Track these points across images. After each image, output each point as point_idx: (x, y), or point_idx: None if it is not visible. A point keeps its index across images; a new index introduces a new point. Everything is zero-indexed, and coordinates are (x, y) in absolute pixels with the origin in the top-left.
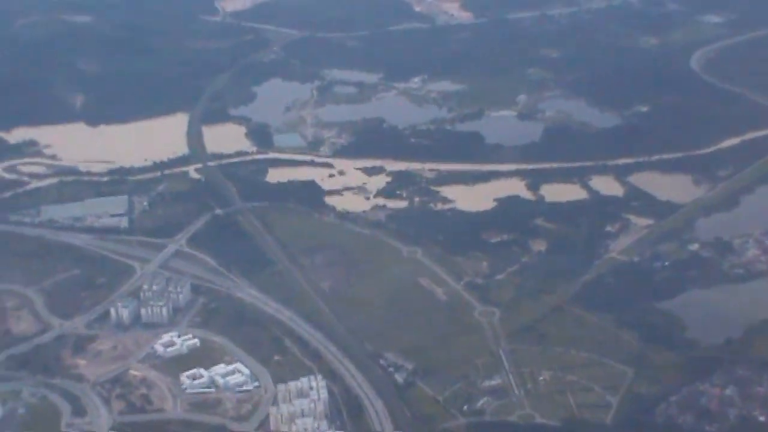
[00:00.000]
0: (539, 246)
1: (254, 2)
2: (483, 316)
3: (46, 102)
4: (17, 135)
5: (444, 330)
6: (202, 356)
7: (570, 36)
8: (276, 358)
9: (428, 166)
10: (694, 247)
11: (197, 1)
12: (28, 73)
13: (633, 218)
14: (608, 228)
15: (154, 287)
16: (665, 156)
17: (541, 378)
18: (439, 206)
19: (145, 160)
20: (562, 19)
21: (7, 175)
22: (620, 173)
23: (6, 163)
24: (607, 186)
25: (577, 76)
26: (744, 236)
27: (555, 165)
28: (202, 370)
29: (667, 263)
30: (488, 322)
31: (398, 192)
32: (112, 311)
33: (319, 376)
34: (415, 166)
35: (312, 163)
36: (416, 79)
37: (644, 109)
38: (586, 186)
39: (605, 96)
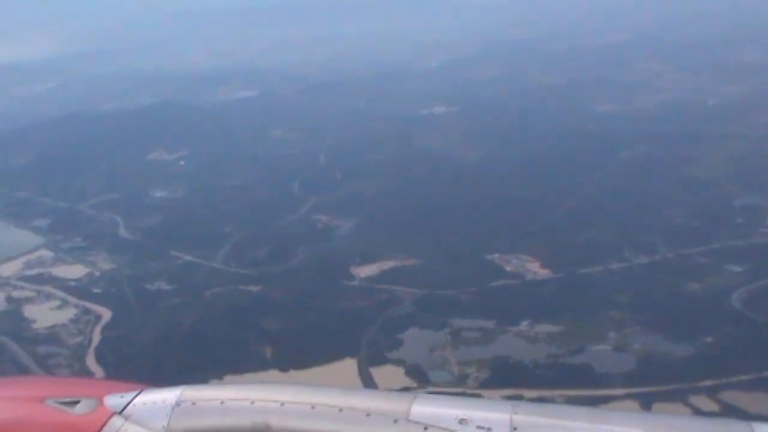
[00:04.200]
0: None
1: (380, 269)
2: None
3: (245, 355)
4: (228, 380)
5: None
6: None
7: (630, 284)
8: None
9: (557, 393)
10: None
11: (336, 271)
12: (225, 333)
13: None
14: None
15: None
16: (741, 377)
17: None
18: None
19: None
20: (620, 272)
21: None
22: (710, 393)
23: None
24: (704, 404)
25: (648, 316)
26: None
27: (656, 388)
28: None
29: None
30: None
31: None
32: None
33: None
34: (545, 393)
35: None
36: (524, 323)
37: (709, 339)
38: (688, 404)
39: (676, 330)
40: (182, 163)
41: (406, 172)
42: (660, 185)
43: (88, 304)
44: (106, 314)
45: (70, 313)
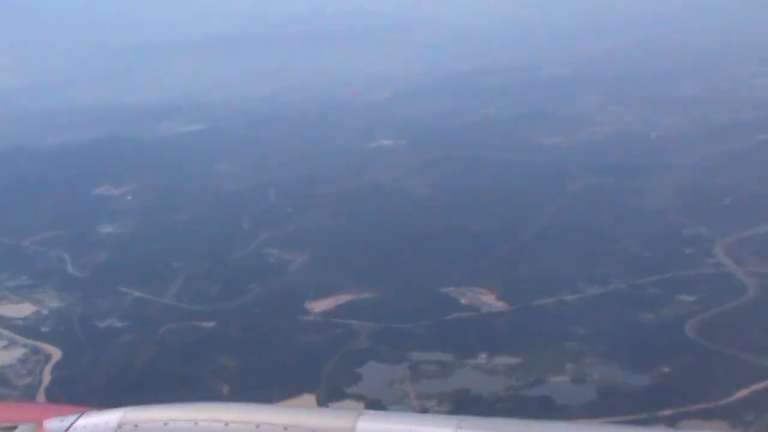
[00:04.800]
0: None
1: (336, 303)
2: None
3: (201, 392)
4: None
5: None
6: None
7: (585, 315)
8: None
9: None
10: None
11: (291, 306)
12: (180, 370)
13: None
14: None
15: None
16: (699, 406)
17: None
18: None
19: None
20: (574, 303)
21: None
22: (669, 422)
23: None
24: None
25: (604, 347)
26: None
27: (616, 418)
28: None
29: None
30: None
31: None
32: None
33: None
34: None
35: None
36: (482, 356)
37: (666, 369)
38: None
39: (632, 361)
40: (129, 198)
41: (356, 206)
42: (609, 216)
43: (36, 344)
44: (56, 353)
45: (18, 353)
